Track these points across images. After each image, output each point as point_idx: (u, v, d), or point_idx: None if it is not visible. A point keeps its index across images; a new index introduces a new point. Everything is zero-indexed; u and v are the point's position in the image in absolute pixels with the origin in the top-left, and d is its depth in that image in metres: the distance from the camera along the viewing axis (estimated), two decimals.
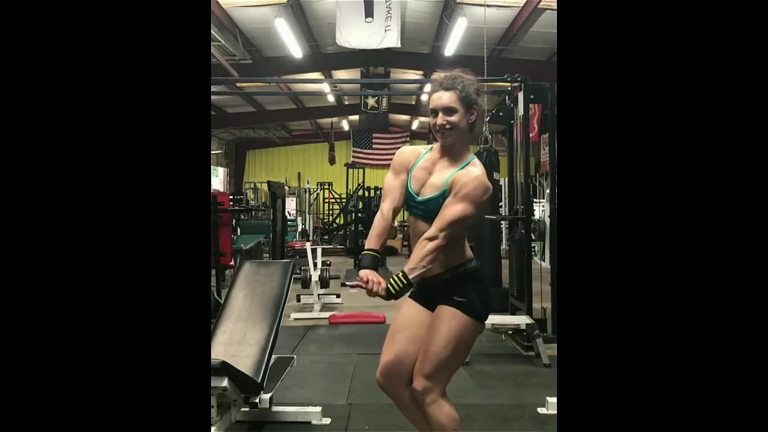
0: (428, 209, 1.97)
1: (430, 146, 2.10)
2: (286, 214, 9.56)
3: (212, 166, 15.46)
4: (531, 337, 4.17)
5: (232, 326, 3.08)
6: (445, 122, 1.95)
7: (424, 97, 2.16)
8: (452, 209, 1.92)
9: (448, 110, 1.95)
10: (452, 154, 2.01)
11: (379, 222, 2.04)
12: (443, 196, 1.95)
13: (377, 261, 1.97)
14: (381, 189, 2.30)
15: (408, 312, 2.10)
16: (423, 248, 1.91)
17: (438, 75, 2.03)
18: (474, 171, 1.96)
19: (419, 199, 2.01)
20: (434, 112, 1.97)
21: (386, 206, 2.05)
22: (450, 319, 1.97)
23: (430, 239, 1.91)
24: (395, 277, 1.92)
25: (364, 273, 1.91)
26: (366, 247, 2.02)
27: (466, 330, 1.99)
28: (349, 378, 3.76)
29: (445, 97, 1.95)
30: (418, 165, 2.05)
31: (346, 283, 2.06)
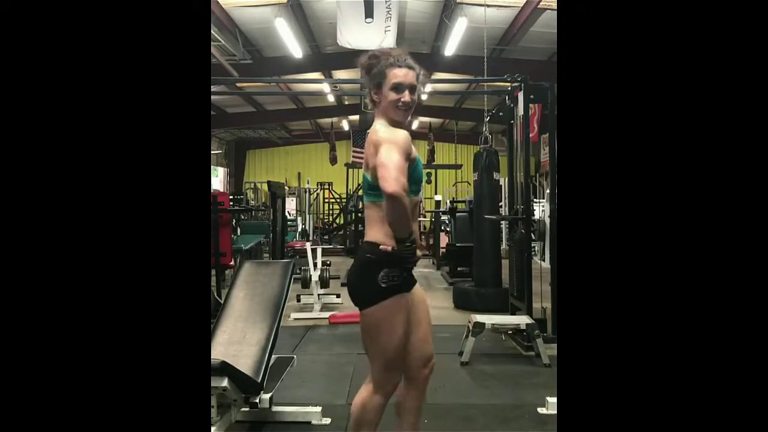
0: None
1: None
2: (286, 214, 9.55)
3: (212, 166, 15.45)
4: (531, 337, 4.17)
5: (232, 326, 3.08)
6: (410, 100, 1.93)
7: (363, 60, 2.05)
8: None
9: (413, 89, 1.94)
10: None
11: (409, 205, 1.86)
12: None
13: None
14: None
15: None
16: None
17: (394, 51, 1.98)
18: None
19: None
20: (400, 88, 1.92)
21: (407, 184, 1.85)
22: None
23: None
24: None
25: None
26: (410, 235, 1.89)
27: None
28: (349, 378, 3.75)
29: (410, 76, 1.93)
30: None
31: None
